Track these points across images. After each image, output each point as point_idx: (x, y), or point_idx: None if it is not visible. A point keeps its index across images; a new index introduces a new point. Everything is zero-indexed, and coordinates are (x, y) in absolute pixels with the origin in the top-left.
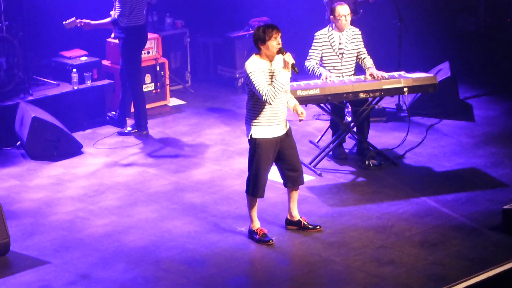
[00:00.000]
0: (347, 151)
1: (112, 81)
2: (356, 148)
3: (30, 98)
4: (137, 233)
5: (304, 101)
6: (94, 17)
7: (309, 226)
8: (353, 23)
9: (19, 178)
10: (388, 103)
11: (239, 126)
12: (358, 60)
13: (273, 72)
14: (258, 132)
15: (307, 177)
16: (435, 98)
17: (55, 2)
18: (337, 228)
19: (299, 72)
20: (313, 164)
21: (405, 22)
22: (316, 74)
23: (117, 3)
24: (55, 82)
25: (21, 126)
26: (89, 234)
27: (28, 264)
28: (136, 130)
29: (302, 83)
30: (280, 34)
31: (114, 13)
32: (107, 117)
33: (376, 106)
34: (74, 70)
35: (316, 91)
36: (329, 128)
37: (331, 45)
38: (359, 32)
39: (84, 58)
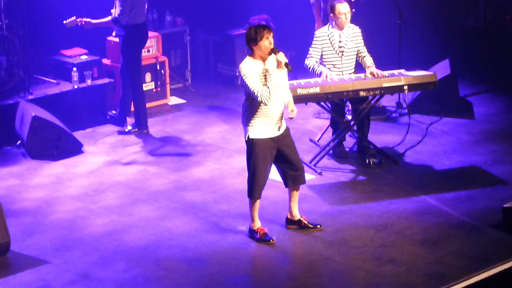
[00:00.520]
0: (347, 149)
1: (112, 80)
2: (356, 146)
3: (30, 97)
4: (137, 232)
5: (304, 99)
6: (94, 16)
7: (310, 226)
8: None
9: (19, 177)
10: (388, 101)
11: (240, 124)
12: (358, 59)
13: (267, 72)
14: (255, 132)
15: (308, 176)
16: (435, 96)
17: (55, 0)
18: (338, 227)
19: (296, 70)
20: (313, 162)
21: (405, 19)
22: (316, 73)
23: (117, 1)
24: (55, 81)
25: (21, 125)
26: (89, 233)
27: (28, 264)
28: (136, 129)
29: (302, 81)
30: (271, 33)
31: (115, 12)
32: (108, 116)
33: (376, 104)
34: (74, 68)
35: (316, 90)
36: (330, 127)
37: (331, 43)
38: (359, 30)
39: (84, 57)
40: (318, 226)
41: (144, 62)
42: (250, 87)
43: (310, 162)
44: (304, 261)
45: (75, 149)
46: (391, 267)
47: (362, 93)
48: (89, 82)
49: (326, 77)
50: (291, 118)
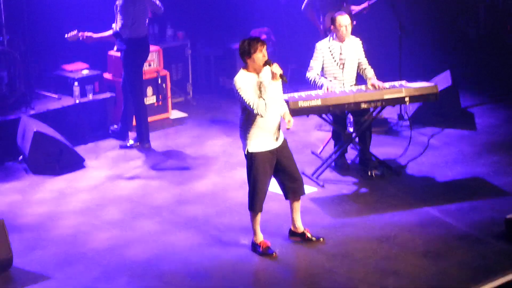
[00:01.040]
0: (349, 161)
1: (114, 94)
2: (358, 158)
3: (32, 112)
4: (139, 246)
5: (305, 111)
6: (96, 30)
7: (312, 239)
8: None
9: (21, 192)
10: (390, 113)
11: None
12: (359, 70)
13: (262, 85)
14: (254, 146)
15: (310, 188)
16: (436, 107)
17: (56, 15)
18: (340, 239)
19: (297, 82)
20: (315, 175)
21: (405, 31)
22: (317, 85)
23: (119, 15)
24: (56, 96)
25: (23, 140)
26: (92, 248)
27: (30, 279)
28: (138, 143)
29: (303, 93)
30: (265, 46)
31: (116, 25)
32: (109, 130)
33: (378, 116)
34: (76, 83)
35: (318, 102)
36: (331, 139)
37: (332, 55)
38: (360, 42)
39: (85, 71)
40: (321, 239)
41: (146, 76)
42: (245, 100)
43: (312, 174)
44: (307, 274)
45: (77, 163)
46: (394, 280)
47: (363, 105)
48: (90, 96)
49: (328, 89)
50: (288, 129)
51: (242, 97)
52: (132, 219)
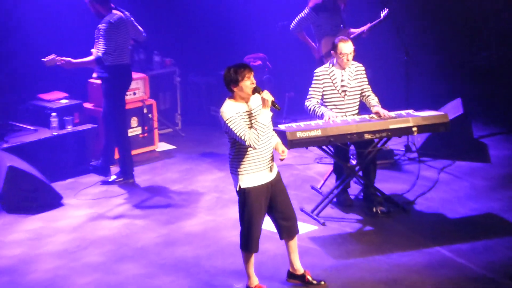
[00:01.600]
0: (352, 197)
1: (96, 126)
2: (362, 194)
3: (5, 145)
4: None
5: (304, 143)
6: (75, 57)
7: (313, 282)
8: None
9: None
10: (396, 144)
11: None
12: (362, 98)
13: (252, 114)
14: (247, 181)
15: (310, 227)
16: (447, 138)
17: (32, 44)
18: (343, 283)
19: (296, 112)
20: (315, 212)
21: (412, 56)
22: (317, 114)
23: (101, 39)
24: (32, 128)
25: None
26: None
27: None
28: (121, 179)
29: (302, 123)
30: (253, 73)
31: (97, 51)
32: (90, 165)
33: (383, 148)
34: (54, 114)
35: (318, 132)
36: (332, 173)
37: (332, 82)
38: (363, 68)
39: (64, 101)
40: (322, 283)
41: (130, 105)
42: (236, 132)
43: (312, 211)
44: None
45: (55, 201)
46: None
47: (367, 136)
48: (69, 128)
49: (329, 119)
50: (282, 160)
51: (232, 129)
52: (115, 262)
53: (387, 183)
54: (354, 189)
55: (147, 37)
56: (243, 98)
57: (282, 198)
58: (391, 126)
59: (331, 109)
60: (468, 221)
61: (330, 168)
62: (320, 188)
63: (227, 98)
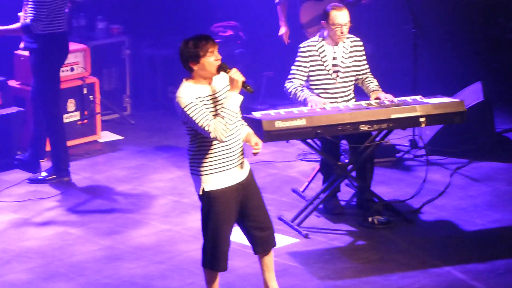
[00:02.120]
0: (343, 203)
1: (23, 109)
2: (355, 199)
3: None
4: None
5: (285, 135)
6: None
7: None
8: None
9: None
10: (399, 138)
11: None
12: (357, 81)
13: (217, 98)
14: (212, 183)
15: (290, 240)
16: (462, 131)
17: None
18: None
19: (275, 96)
20: (297, 221)
21: (422, 28)
22: (300, 99)
23: (30, 3)
24: None
25: None
26: None
27: None
28: (54, 176)
29: (282, 111)
30: (217, 47)
31: (25, 16)
32: (15, 159)
33: (382, 143)
34: None
35: (302, 122)
36: (319, 172)
37: (322, 60)
38: (361, 43)
39: None
40: None
41: (66, 84)
42: (197, 122)
43: (293, 220)
44: None
45: None
46: None
47: (363, 127)
48: None
49: (315, 105)
50: (255, 154)
51: (193, 119)
52: (44, 281)
53: (387, 186)
54: (346, 193)
55: None
56: (205, 78)
57: (256, 203)
58: (394, 116)
59: (319, 94)
60: (487, 235)
61: (316, 166)
62: (304, 191)
63: (184, 80)
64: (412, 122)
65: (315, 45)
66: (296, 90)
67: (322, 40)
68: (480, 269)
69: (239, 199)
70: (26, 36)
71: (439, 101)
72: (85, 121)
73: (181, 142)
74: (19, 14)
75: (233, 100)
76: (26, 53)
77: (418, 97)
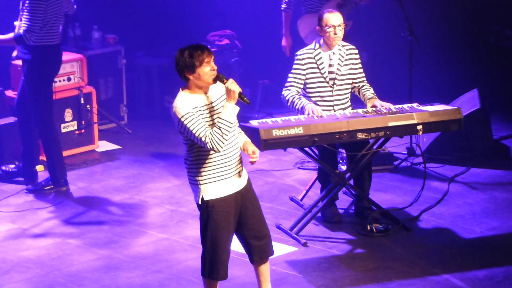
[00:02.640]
0: (341, 211)
1: None
2: (353, 207)
3: None
4: None
5: (282, 144)
6: None
7: None
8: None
9: None
10: (397, 146)
11: None
12: (353, 89)
13: (213, 108)
14: (211, 192)
15: (288, 248)
16: (460, 139)
17: None
18: None
19: (271, 105)
20: (295, 230)
21: (418, 36)
22: (297, 107)
23: (25, 13)
24: None
25: None
26: None
27: None
28: (51, 186)
29: (279, 119)
30: (213, 57)
31: (20, 26)
32: (9, 169)
33: (380, 150)
34: None
35: (299, 130)
36: (317, 181)
37: (318, 68)
38: (356, 51)
39: None
40: None
41: (63, 94)
42: (194, 133)
43: (291, 229)
44: None
45: None
46: None
47: (360, 135)
48: None
49: (312, 113)
50: (253, 163)
51: (189, 129)
52: None
53: (385, 194)
54: (344, 201)
55: (85, 8)
56: (201, 87)
57: (254, 212)
58: (391, 124)
59: (316, 101)
60: (485, 243)
61: (313, 175)
62: (301, 200)
63: (180, 89)
64: (409, 130)
65: (311, 53)
66: (294, 98)
67: (319, 47)
68: (478, 277)
69: (237, 207)
70: (20, 46)
71: (436, 109)
72: (83, 130)
73: (178, 151)
74: (15, 23)
75: (230, 111)
76: (20, 62)
77: (415, 105)
